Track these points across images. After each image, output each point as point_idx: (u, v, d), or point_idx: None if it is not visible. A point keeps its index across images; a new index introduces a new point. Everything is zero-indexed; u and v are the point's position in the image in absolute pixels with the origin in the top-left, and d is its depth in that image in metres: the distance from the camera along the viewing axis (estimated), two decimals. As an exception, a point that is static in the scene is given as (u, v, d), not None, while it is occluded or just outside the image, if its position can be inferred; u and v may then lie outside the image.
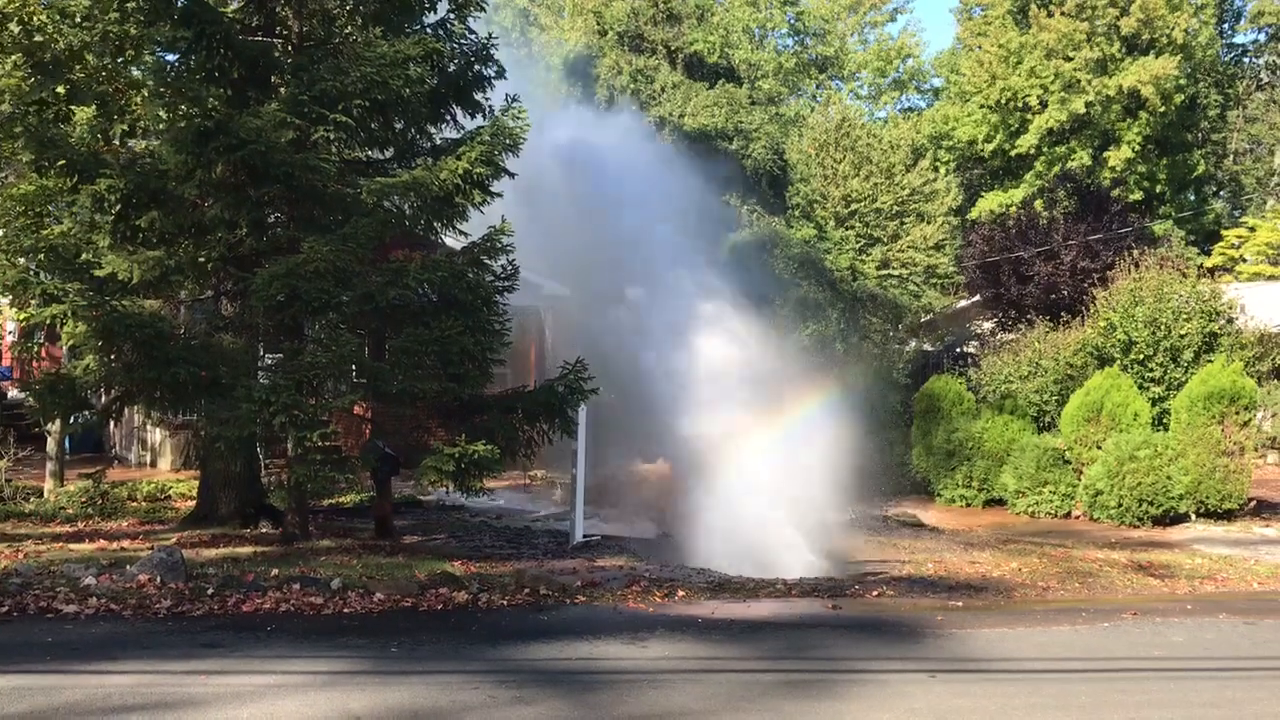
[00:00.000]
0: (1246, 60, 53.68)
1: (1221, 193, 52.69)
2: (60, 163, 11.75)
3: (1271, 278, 39.14)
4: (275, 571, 10.82)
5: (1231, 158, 52.00)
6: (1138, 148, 42.64)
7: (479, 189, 12.25)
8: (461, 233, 13.32)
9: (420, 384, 11.41)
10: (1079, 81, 42.08)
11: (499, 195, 12.81)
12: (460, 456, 11.15)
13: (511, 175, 12.88)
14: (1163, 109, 42.05)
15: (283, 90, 12.26)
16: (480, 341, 11.78)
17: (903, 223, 40.00)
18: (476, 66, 13.46)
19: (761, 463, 17.32)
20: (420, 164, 12.41)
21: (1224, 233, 45.02)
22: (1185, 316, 19.98)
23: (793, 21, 50.44)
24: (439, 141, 13.32)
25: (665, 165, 25.14)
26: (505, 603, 10.31)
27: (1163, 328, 19.89)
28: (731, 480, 16.78)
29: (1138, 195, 42.28)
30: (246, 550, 12.46)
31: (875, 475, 20.90)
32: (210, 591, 9.92)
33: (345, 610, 9.79)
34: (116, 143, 14.48)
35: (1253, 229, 44.17)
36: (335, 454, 14.79)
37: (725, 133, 35.87)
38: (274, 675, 7.62)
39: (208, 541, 13.22)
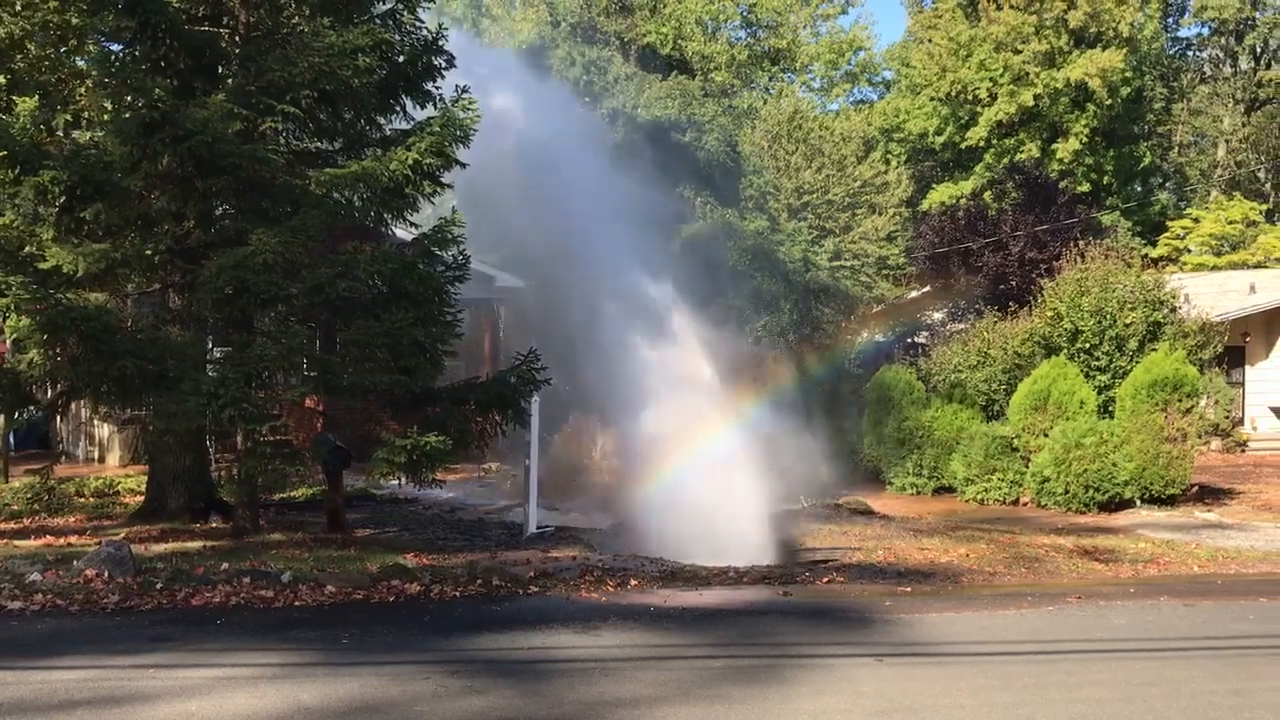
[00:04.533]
0: (1190, 54, 54.69)
1: (1167, 184, 53.58)
2: (1, 154, 11.56)
3: (1215, 268, 39.89)
4: (225, 565, 10.74)
5: (1176, 150, 52.90)
6: (1085, 140, 43.26)
7: (429, 180, 12.21)
8: (413, 224, 13.28)
9: (371, 376, 11.37)
10: (1028, 74, 42.60)
11: (449, 186, 12.78)
12: (412, 448, 11.13)
13: (463, 166, 12.86)
14: (1109, 102, 42.69)
15: (230, 81, 12.14)
16: (431, 333, 11.75)
17: (854, 214, 40.25)
18: (426, 57, 13.39)
19: (715, 454, 17.45)
20: (370, 155, 12.33)
21: (1169, 224, 45.79)
22: (1130, 306, 20.35)
23: (745, 14, 50.54)
24: (389, 132, 13.25)
25: (617, 156, 25.18)
26: (458, 594, 10.31)
27: (1108, 317, 20.26)
28: (685, 471, 16.89)
29: (1085, 187, 42.89)
30: (196, 545, 12.36)
31: (827, 464, 21.13)
32: (159, 586, 9.83)
33: (296, 603, 9.75)
34: (60, 134, 14.27)
35: (1197, 220, 44.96)
36: (286, 447, 14.70)
37: (678, 125, 35.89)
38: (224, 668, 7.58)
39: (157, 536, 13.09)
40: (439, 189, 12.72)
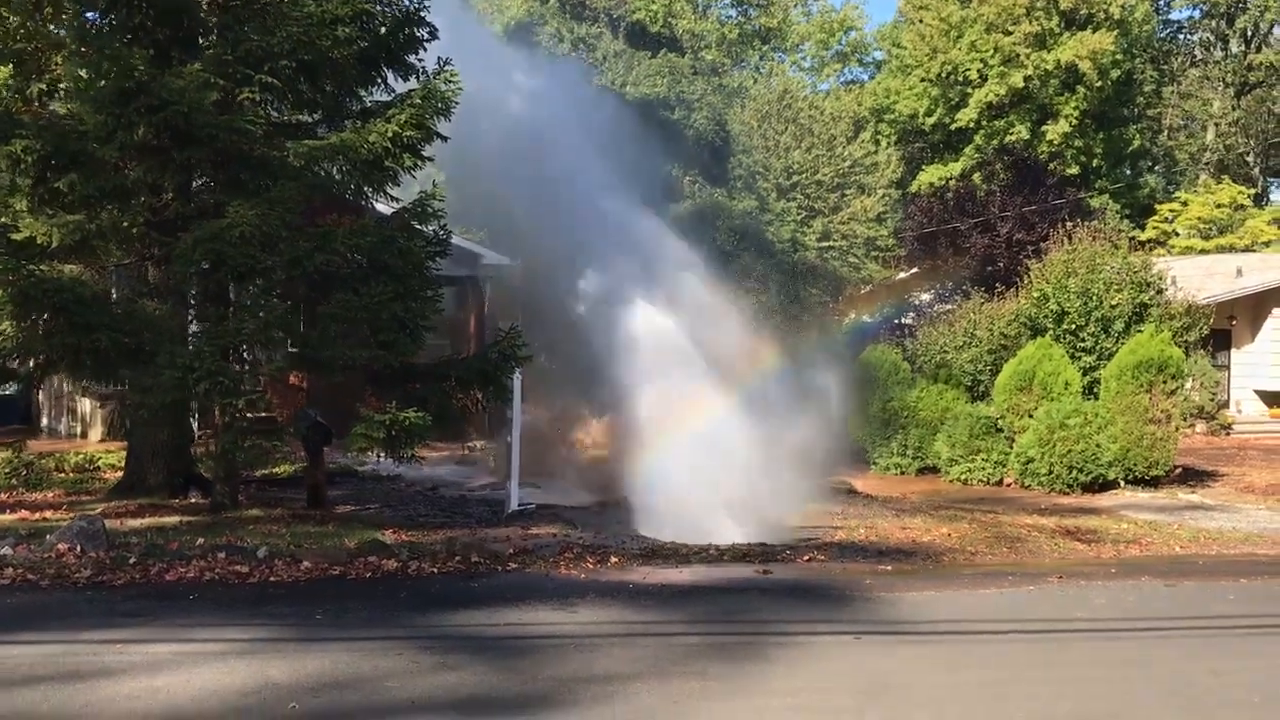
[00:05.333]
0: (1181, 37, 54.52)
1: (1156, 167, 53.51)
2: (-26, 122, 11.38)
3: (1203, 251, 39.90)
4: (201, 540, 10.65)
5: (1166, 133, 52.84)
6: (1075, 122, 43.15)
7: (409, 153, 12.05)
8: (394, 198, 13.13)
9: (350, 351, 11.25)
10: (1018, 55, 42.43)
11: (430, 159, 12.63)
12: (391, 423, 11.02)
13: (444, 139, 12.70)
14: (1100, 84, 42.56)
15: (208, 51, 11.93)
16: (411, 308, 11.62)
17: (844, 195, 40.21)
18: (408, 28, 13.20)
19: (699, 432, 17.36)
20: (349, 127, 12.15)
21: (1158, 207, 45.77)
22: (1116, 287, 20.30)
23: (736, -8, 50.34)
24: (370, 105, 13.07)
25: (609, 131, 24.94)
26: (435, 570, 10.23)
27: (1094, 298, 20.20)
28: (669, 449, 16.80)
29: (1074, 169, 42.81)
30: (173, 520, 12.25)
31: (812, 444, 21.06)
32: (132, 561, 9.73)
33: (271, 579, 9.66)
34: (35, 103, 14.04)
35: (1185, 203, 44.96)
36: (267, 423, 14.59)
37: (667, 102, 35.76)
38: (194, 644, 7.49)
39: (134, 511, 12.96)
40: (420, 162, 12.56)
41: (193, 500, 14.03)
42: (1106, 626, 9.00)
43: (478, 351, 13.08)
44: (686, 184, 35.07)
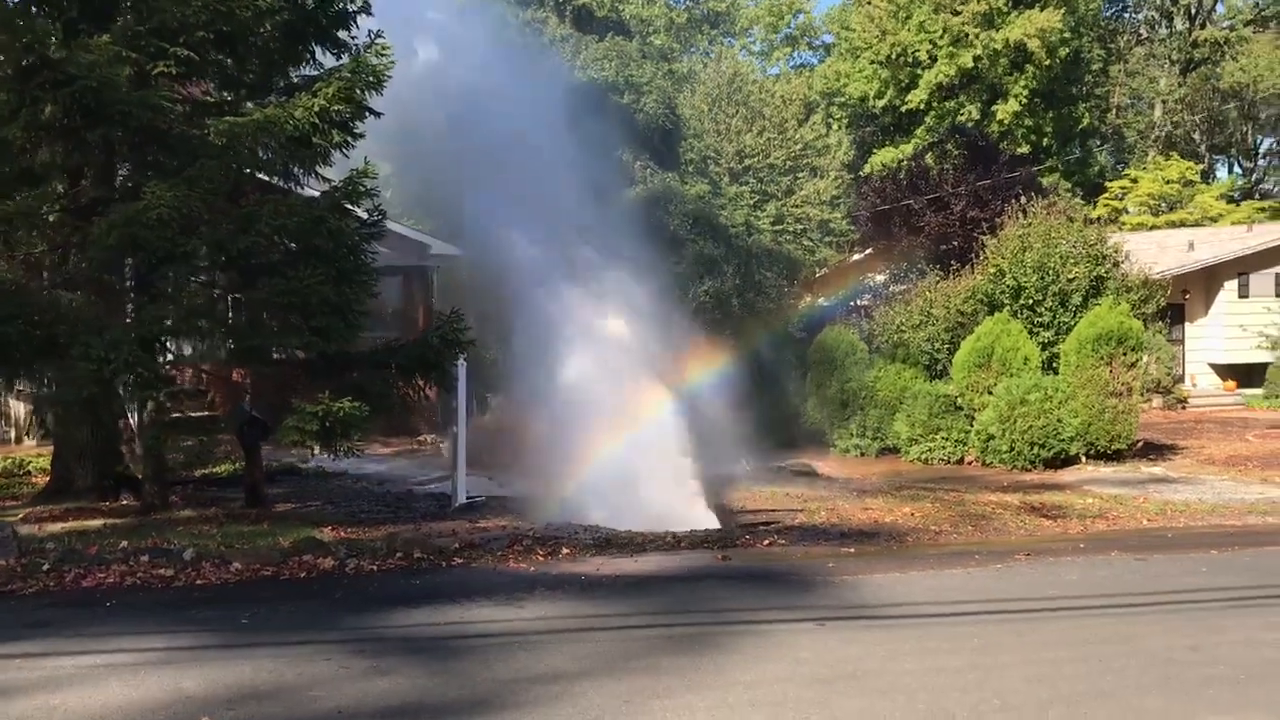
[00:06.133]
0: (1127, 15, 54.72)
1: (1105, 146, 53.70)
2: None
3: (1153, 228, 39.98)
4: (125, 544, 10.00)
5: (1114, 111, 52.95)
6: (1024, 101, 43.08)
7: (339, 129, 11.40)
8: (326, 180, 12.47)
9: (280, 339, 10.60)
10: (967, 35, 42.29)
11: (361, 136, 11.99)
12: (324, 415, 10.39)
13: (377, 114, 12.08)
14: (1048, 63, 42.50)
15: (119, 23, 11.21)
16: (345, 293, 10.97)
17: (796, 178, 39.90)
18: (339, 2, 12.56)
19: (656, 421, 16.92)
20: (273, 102, 11.46)
21: (1108, 184, 45.89)
22: (1073, 261, 20.04)
23: (684, -24, 49.79)
24: (296, 80, 12.39)
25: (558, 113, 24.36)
26: (375, 568, 9.67)
27: (1051, 272, 19.93)
28: (626, 440, 16.34)
29: (1025, 148, 42.67)
30: (98, 523, 11.58)
31: (771, 428, 20.67)
32: (46, 567, 9.08)
33: (198, 582, 9.06)
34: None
35: (1135, 180, 45.11)
36: (213, 421, 13.93)
37: (616, 86, 35.14)
38: (104, 655, 6.89)
39: (58, 516, 12.26)
40: (352, 140, 11.91)
41: (124, 502, 13.35)
42: (1080, 604, 8.61)
43: (418, 337, 12.45)
44: (638, 169, 34.50)
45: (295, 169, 11.97)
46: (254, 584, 9.05)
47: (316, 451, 11.72)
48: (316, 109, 10.91)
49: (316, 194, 13.34)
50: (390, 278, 26.67)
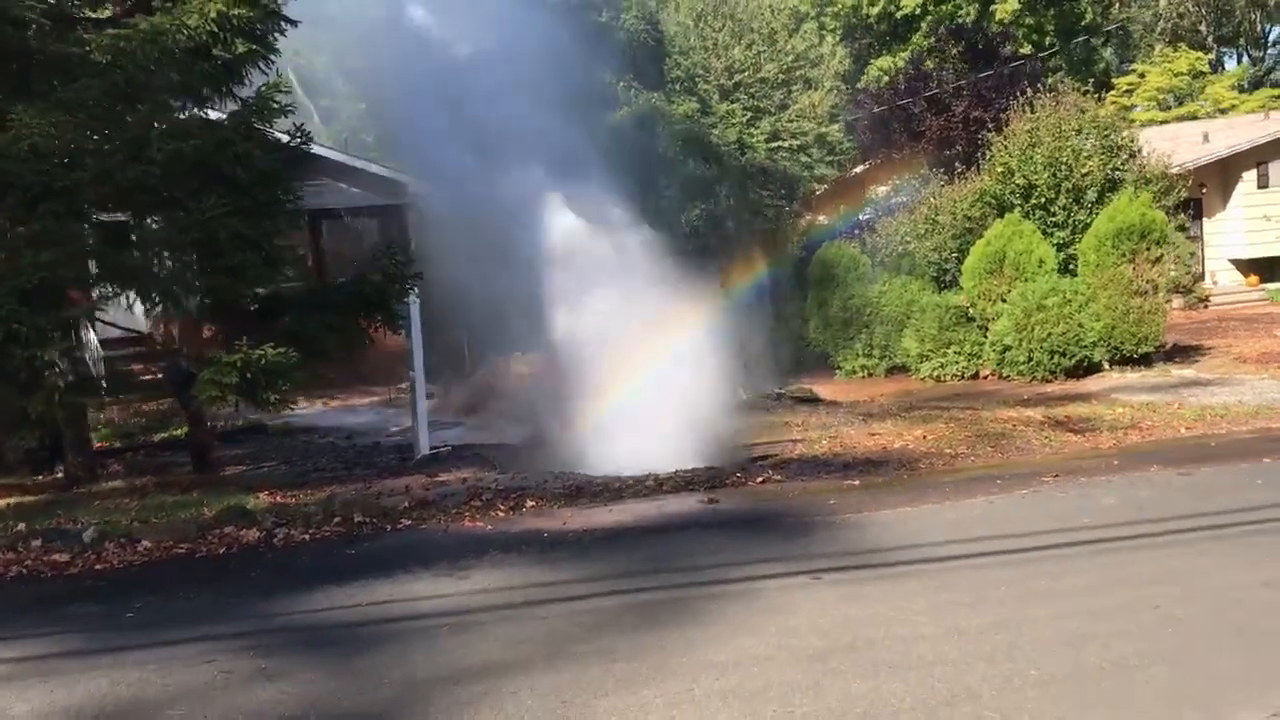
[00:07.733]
0: (1129, -99, 52.14)
1: (1110, 42, 51.52)
2: None
3: (1164, 123, 38.15)
4: (21, 526, 8.77)
5: (1117, 6, 50.68)
6: (1024, -1, 41.06)
7: (244, 37, 9.92)
8: (242, 100, 10.99)
9: (181, 281, 9.24)
10: (961, -71, 40.18)
11: (277, 52, 10.53)
12: (243, 365, 9.05)
13: (294, 24, 10.60)
14: (1048, -47, 40.42)
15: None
16: (261, 225, 9.57)
17: (790, 92, 38.14)
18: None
19: (647, 350, 15.67)
20: (160, 7, 9.94)
21: (1115, 81, 43.94)
22: (1086, 155, 18.53)
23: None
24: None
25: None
26: (308, 537, 8.44)
27: (1063, 168, 18.40)
28: (609, 374, 15.08)
29: (1026, 48, 40.72)
30: (7, 502, 10.35)
31: (772, 352, 19.37)
32: (-81, 559, 7.87)
33: (97, 566, 7.83)
34: None
35: (1143, 75, 43.16)
36: (136, 379, 12.66)
37: (593, 3, 33.29)
38: (-60, 670, 5.67)
39: (-29, 494, 11.05)
40: (266, 52, 10.44)
41: (58, 475, 12.14)
42: (1120, 534, 7.31)
43: (356, 275, 11.10)
44: (621, 90, 32.79)
45: (206, 90, 10.51)
46: (162, 565, 7.83)
47: (232, 404, 10.27)
48: (213, 14, 9.41)
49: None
50: (368, 219, 25.34)
